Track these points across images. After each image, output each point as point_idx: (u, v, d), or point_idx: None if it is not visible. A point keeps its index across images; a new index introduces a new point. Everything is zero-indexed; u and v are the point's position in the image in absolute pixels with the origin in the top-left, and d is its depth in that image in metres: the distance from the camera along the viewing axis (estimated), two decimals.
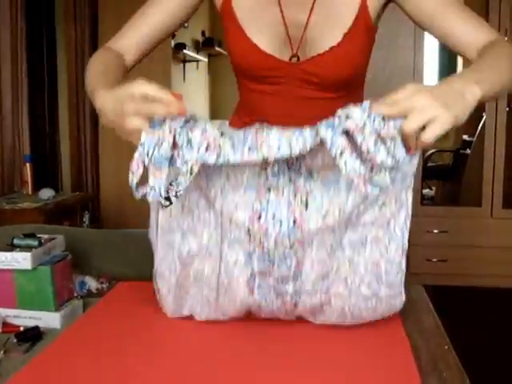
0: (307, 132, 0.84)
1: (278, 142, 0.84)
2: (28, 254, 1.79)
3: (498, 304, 3.82)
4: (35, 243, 1.85)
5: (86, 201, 3.91)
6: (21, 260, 1.79)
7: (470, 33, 1.10)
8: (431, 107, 0.78)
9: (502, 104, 3.95)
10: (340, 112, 0.83)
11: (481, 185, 4.15)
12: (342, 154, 0.79)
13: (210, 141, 0.89)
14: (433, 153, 5.32)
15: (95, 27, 4.16)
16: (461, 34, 1.11)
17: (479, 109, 3.94)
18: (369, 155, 0.77)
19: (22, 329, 1.78)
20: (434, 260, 4.16)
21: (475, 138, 4.37)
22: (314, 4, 1.22)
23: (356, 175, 0.79)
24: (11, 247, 1.86)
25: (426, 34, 1.27)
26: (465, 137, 5.20)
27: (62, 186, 3.75)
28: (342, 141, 0.79)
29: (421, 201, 4.28)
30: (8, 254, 1.79)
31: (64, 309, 1.89)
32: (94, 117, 4.15)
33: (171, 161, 0.89)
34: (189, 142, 0.88)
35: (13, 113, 3.37)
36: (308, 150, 0.84)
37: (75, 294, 2.02)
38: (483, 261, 4.20)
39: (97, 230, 3.63)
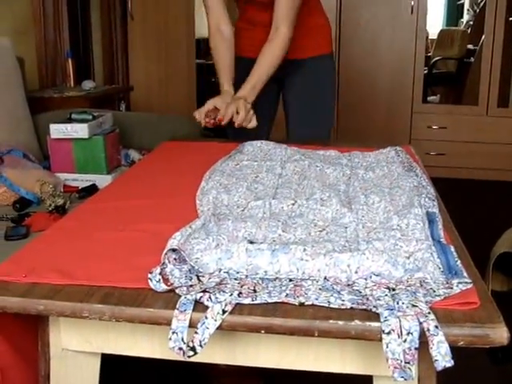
0: (346, 296, 0.84)
1: (317, 295, 0.84)
2: (85, 125, 2.05)
3: (489, 195, 4.05)
4: (89, 117, 2.11)
5: (120, 92, 4.13)
6: (79, 130, 2.05)
7: (281, 14, 1.89)
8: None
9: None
10: (404, 299, 0.82)
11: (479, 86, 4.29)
12: (389, 333, 0.77)
13: (243, 291, 0.84)
14: (438, 60, 5.35)
15: None
16: (277, 11, 1.89)
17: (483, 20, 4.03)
18: (429, 333, 0.77)
19: (79, 188, 2.08)
20: (433, 153, 4.37)
21: (479, 47, 4.45)
22: None
23: (392, 358, 0.76)
24: (70, 121, 2.13)
25: None
26: (469, 46, 5.13)
27: (94, 80, 3.90)
28: (394, 322, 0.78)
29: (423, 99, 4.47)
30: (68, 126, 2.06)
31: (114, 173, 2.19)
32: (124, 13, 4.30)
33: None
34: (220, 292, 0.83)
35: (54, 11, 3.53)
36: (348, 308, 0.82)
37: (122, 163, 2.32)
38: (477, 155, 4.32)
39: (136, 112, 3.88)
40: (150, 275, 0.86)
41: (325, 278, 0.89)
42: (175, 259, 0.90)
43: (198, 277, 0.88)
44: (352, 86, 4.36)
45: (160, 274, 0.87)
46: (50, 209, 1.77)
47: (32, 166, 2.09)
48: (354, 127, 4.35)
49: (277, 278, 0.89)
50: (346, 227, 1.10)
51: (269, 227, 1.06)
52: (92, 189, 1.99)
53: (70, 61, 3.44)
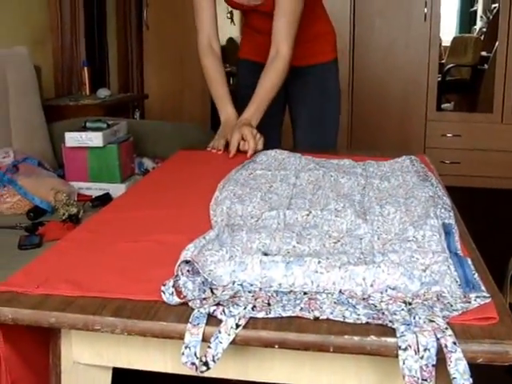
0: (361, 311, 0.82)
1: (331, 309, 0.82)
2: (99, 134, 2.04)
3: (506, 204, 3.99)
4: (104, 126, 2.10)
5: (135, 100, 4.14)
6: (93, 139, 2.04)
7: (281, 32, 1.86)
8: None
9: None
10: (421, 313, 0.80)
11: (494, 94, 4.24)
12: (406, 349, 0.75)
13: (257, 304, 0.82)
14: (451, 67, 5.27)
15: None
16: (277, 27, 1.86)
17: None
18: (446, 349, 0.74)
19: (93, 197, 2.07)
20: (448, 162, 4.33)
21: (492, 54, 4.41)
22: None
23: (409, 375, 0.74)
24: (84, 129, 2.13)
25: None
26: (483, 53, 5.08)
27: (109, 88, 3.91)
28: (411, 338, 0.76)
29: (437, 107, 4.41)
30: (83, 134, 2.05)
31: (127, 182, 2.18)
32: (140, 22, 4.32)
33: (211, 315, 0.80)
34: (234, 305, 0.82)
35: (71, 20, 3.54)
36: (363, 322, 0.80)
37: (136, 172, 2.31)
38: (493, 163, 4.26)
39: (150, 121, 3.88)
40: (163, 288, 0.85)
41: (340, 292, 0.87)
42: (188, 271, 0.89)
43: (211, 289, 0.86)
44: (366, 94, 4.34)
45: (173, 286, 0.85)
46: (64, 218, 1.76)
47: (46, 174, 2.09)
48: (368, 135, 4.32)
49: (291, 290, 0.87)
50: (361, 238, 1.07)
51: (283, 238, 1.04)
52: (106, 198, 1.99)
53: (85, 69, 3.44)
